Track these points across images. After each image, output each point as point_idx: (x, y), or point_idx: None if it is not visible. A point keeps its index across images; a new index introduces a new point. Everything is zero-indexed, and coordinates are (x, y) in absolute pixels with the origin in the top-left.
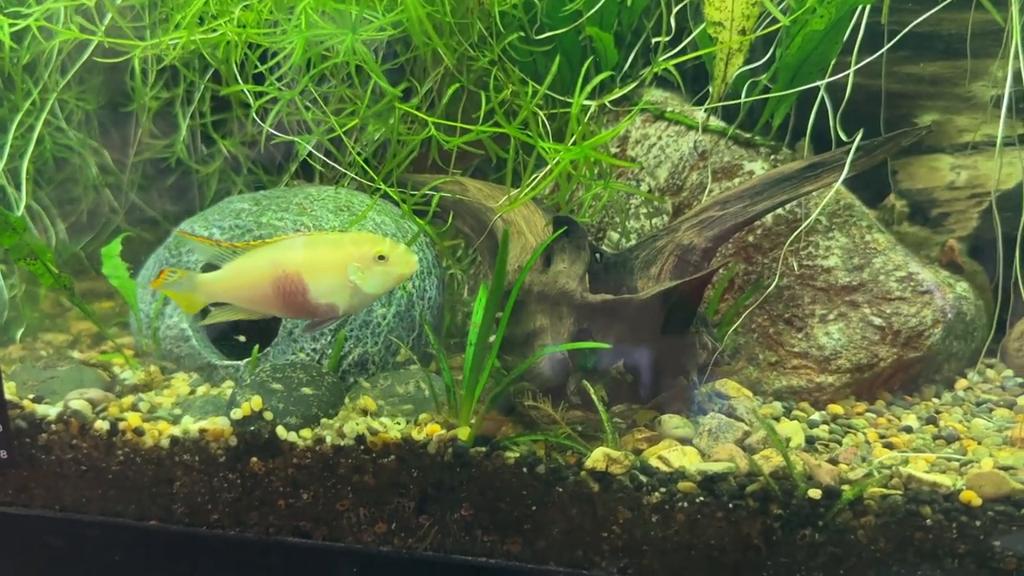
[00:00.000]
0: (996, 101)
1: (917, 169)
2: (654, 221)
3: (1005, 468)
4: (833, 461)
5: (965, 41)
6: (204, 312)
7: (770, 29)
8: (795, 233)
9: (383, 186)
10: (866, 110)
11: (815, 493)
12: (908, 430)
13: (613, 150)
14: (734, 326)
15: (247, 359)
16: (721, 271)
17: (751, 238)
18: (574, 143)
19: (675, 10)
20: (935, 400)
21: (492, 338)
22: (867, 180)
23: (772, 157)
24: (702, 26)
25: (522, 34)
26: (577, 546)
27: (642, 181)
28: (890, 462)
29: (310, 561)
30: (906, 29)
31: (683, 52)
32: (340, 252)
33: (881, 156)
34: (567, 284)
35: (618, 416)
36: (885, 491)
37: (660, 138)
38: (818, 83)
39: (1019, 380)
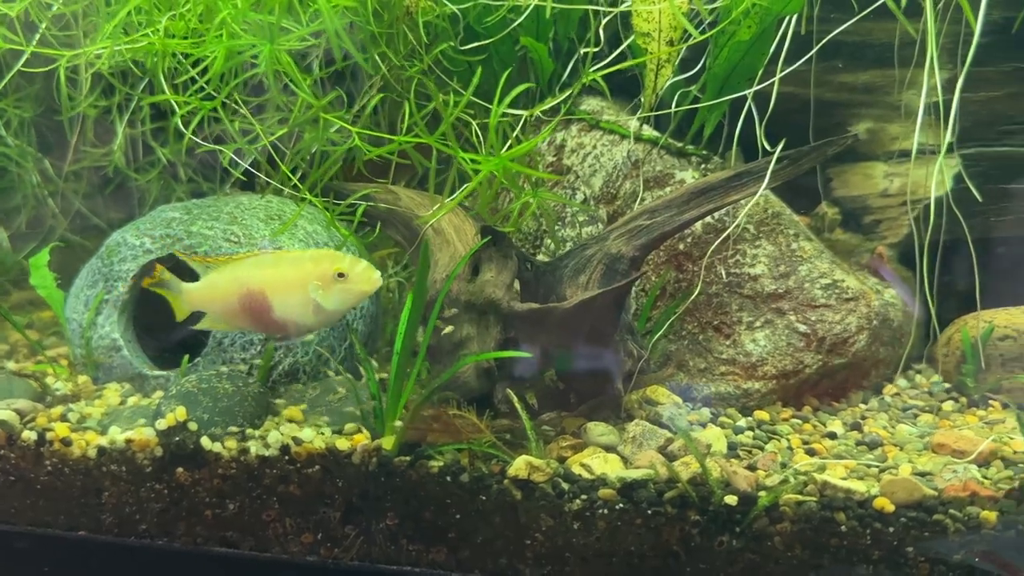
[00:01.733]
0: (926, 109)
1: (852, 177)
2: (588, 229)
3: (922, 474)
4: (751, 468)
5: (895, 50)
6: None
7: (698, 39)
8: (715, 243)
9: (307, 195)
10: (801, 119)
11: (732, 500)
12: (832, 436)
13: (549, 159)
14: (658, 334)
15: (178, 369)
16: (654, 279)
17: (682, 246)
18: (493, 153)
19: (603, 21)
20: (862, 406)
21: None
22: (804, 188)
23: (703, 166)
24: (632, 36)
25: (452, 44)
26: (501, 554)
27: (577, 190)
28: (807, 469)
29: (238, 572)
30: (825, 39)
31: (617, 61)
32: (300, 270)
33: (807, 165)
34: (494, 293)
35: (547, 424)
36: (800, 498)
37: (595, 147)
38: (744, 93)
39: (946, 386)
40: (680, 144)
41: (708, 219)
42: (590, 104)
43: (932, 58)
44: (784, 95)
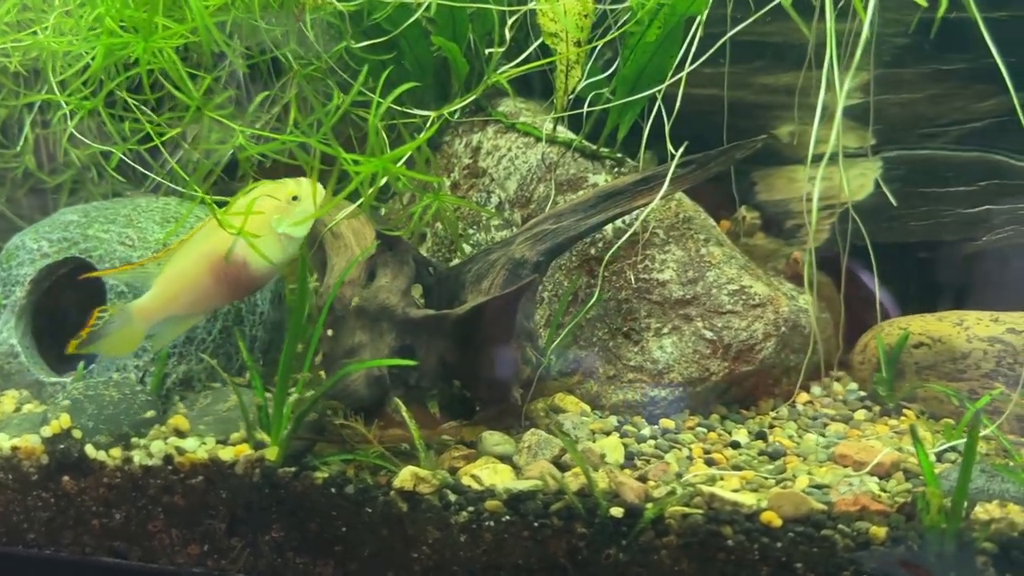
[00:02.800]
0: (847, 112)
1: (776, 180)
2: (503, 234)
3: (819, 486)
4: (642, 478)
5: (817, 51)
6: None
7: (604, 40)
8: (613, 248)
9: (201, 194)
10: (725, 121)
11: (617, 512)
12: (735, 445)
13: (466, 161)
14: (556, 341)
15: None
16: (566, 284)
17: (593, 251)
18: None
19: (510, 21)
20: (772, 415)
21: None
22: (729, 192)
23: (616, 169)
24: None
25: (350, 43)
26: (388, 567)
27: (492, 193)
28: (697, 480)
29: None
30: (720, 41)
31: (528, 62)
32: (259, 215)
33: (716, 169)
34: (388, 299)
35: (447, 434)
36: (686, 510)
37: (510, 150)
38: (649, 92)
39: (862, 394)
40: (594, 147)
41: (619, 223)
42: (508, 106)
43: (831, 56)
44: (707, 98)
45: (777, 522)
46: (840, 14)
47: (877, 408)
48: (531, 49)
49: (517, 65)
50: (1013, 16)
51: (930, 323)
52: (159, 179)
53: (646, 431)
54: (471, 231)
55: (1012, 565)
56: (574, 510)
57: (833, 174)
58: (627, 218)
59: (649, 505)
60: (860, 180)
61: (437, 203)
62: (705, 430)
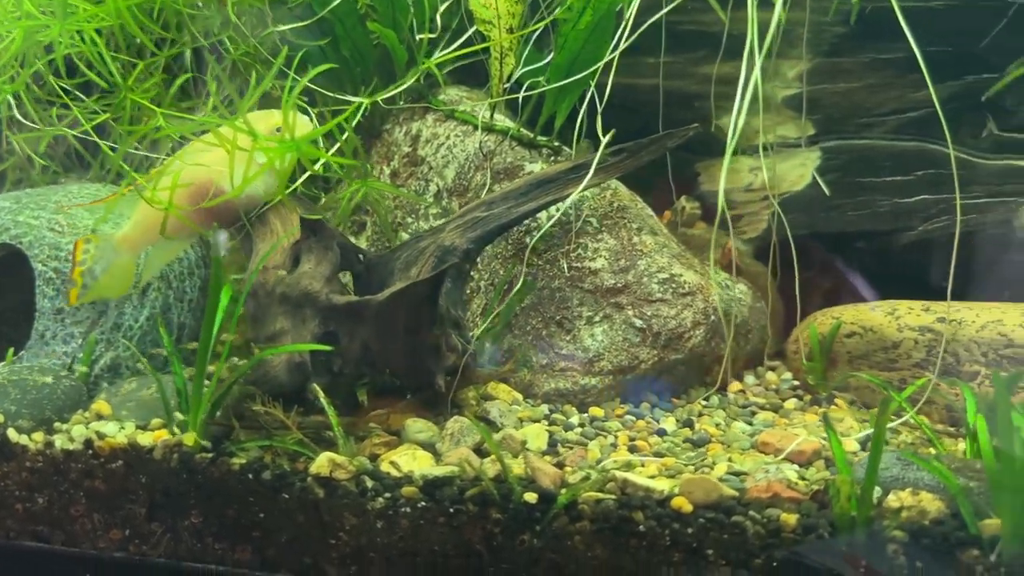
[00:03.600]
0: (786, 101)
1: (719, 171)
2: (441, 223)
3: (738, 473)
4: (560, 465)
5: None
6: None
7: (536, 27)
8: (539, 234)
9: (135, 176)
10: (669, 112)
11: (531, 497)
12: (662, 433)
13: (405, 149)
14: (481, 328)
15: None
16: (502, 273)
17: (528, 240)
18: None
19: (442, 8)
20: (702, 403)
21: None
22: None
23: (552, 158)
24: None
25: (274, 28)
26: (306, 553)
27: (431, 181)
28: (613, 466)
29: (50, 567)
30: (639, 31)
31: (462, 49)
32: (241, 142)
33: (648, 157)
34: (310, 285)
35: (374, 421)
36: (599, 496)
37: (449, 138)
38: (574, 78)
39: (795, 383)
40: (531, 135)
41: (554, 212)
42: (449, 94)
43: (752, 43)
44: (652, 87)
45: (688, 508)
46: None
47: (808, 397)
48: (466, 36)
49: (453, 52)
50: (949, 5)
51: (863, 313)
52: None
53: (574, 419)
54: (409, 220)
55: (922, 553)
56: (489, 496)
57: (774, 164)
58: (560, 206)
59: (563, 491)
60: (799, 170)
61: (365, 190)
62: (634, 418)
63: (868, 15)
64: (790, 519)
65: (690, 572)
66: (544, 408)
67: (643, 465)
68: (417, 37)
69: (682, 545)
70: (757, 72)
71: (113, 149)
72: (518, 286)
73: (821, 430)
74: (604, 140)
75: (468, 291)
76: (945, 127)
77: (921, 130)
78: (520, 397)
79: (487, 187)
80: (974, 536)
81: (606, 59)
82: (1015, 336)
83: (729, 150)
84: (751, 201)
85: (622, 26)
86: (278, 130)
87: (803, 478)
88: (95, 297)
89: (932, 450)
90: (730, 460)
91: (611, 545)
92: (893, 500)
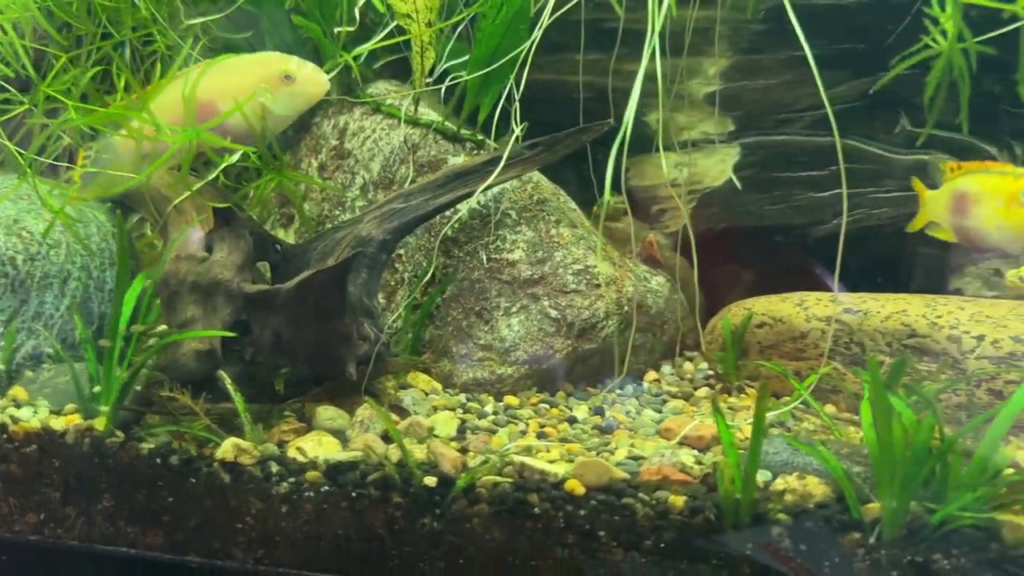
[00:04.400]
0: (707, 98)
1: (646, 167)
2: (359, 214)
3: (637, 458)
4: (464, 450)
5: (679, 39)
6: None
7: (453, 20)
8: (449, 224)
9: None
10: (599, 108)
11: (431, 481)
12: (573, 421)
13: (333, 142)
14: (394, 317)
15: None
16: (424, 265)
17: (450, 232)
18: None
19: (361, 2)
20: (618, 392)
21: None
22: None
23: (475, 151)
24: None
25: (200, 20)
26: (213, 537)
27: (357, 174)
28: (511, 451)
29: None
30: (541, 28)
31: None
32: (247, 75)
33: (564, 151)
34: (221, 274)
35: (290, 408)
36: (497, 479)
37: (375, 131)
38: (486, 70)
39: (711, 372)
40: (455, 129)
41: (474, 205)
42: (378, 87)
43: (651, 40)
44: (578, 84)
45: (580, 490)
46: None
47: (720, 386)
48: (388, 29)
49: (373, 45)
50: (861, 3)
51: (773, 304)
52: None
53: (489, 407)
54: (337, 212)
55: (805, 535)
56: (390, 480)
57: (698, 160)
58: (481, 199)
59: (462, 475)
60: (720, 166)
61: (278, 180)
62: (548, 406)
63: (785, 13)
64: (678, 501)
65: (584, 553)
66: (461, 397)
67: (547, 450)
68: (336, 31)
69: (575, 527)
70: (659, 70)
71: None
72: (426, 275)
73: (729, 417)
74: (515, 134)
75: (393, 283)
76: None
77: (835, 126)
78: (439, 386)
79: (410, 180)
80: (856, 519)
81: (518, 52)
82: (917, 326)
83: (617, 147)
84: (674, 196)
85: (540, 22)
86: (287, 77)
87: (700, 462)
88: (96, 194)
89: (831, 436)
90: (632, 446)
91: (508, 527)
92: (780, 484)
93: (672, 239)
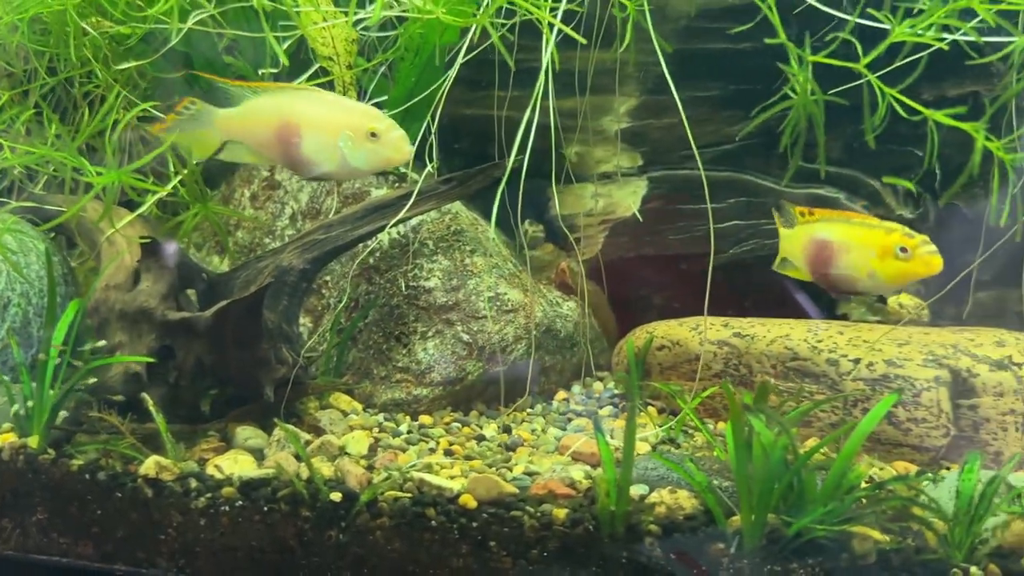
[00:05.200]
0: (620, 135)
1: (567, 197)
2: (282, 244)
3: (532, 473)
4: (370, 467)
5: (594, 78)
6: None
7: (372, 63)
8: (359, 258)
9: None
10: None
11: (336, 496)
12: (481, 439)
13: (264, 173)
14: (312, 339)
15: None
16: (348, 291)
17: (371, 260)
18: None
19: (285, 46)
20: (528, 411)
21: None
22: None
23: (396, 184)
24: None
25: (141, 62)
26: (139, 548)
27: (287, 204)
28: (413, 468)
29: None
30: (454, 67)
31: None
32: (337, 116)
33: (476, 186)
34: (147, 302)
35: (213, 429)
36: (398, 494)
37: None
38: (400, 110)
39: (617, 392)
40: None
41: (394, 235)
42: None
43: (544, 80)
44: (505, 119)
45: (473, 504)
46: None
47: (623, 405)
48: (313, 70)
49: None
50: (755, 48)
51: (672, 328)
52: None
53: (404, 427)
54: (267, 240)
55: (675, 546)
56: (299, 496)
57: (612, 192)
58: (401, 229)
59: (366, 490)
60: (632, 197)
61: (203, 212)
62: (460, 425)
63: (686, 55)
64: (560, 513)
65: (476, 562)
66: (380, 416)
67: (452, 466)
68: (260, 72)
69: (469, 538)
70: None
71: None
72: (342, 302)
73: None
74: (426, 170)
75: (320, 308)
76: None
77: (734, 161)
78: (360, 407)
79: (334, 211)
80: (721, 531)
81: (433, 90)
82: (799, 350)
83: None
84: (590, 225)
85: (457, 62)
86: (372, 134)
87: (589, 477)
88: (173, 139)
89: (714, 452)
90: (530, 462)
91: (408, 539)
92: (654, 497)
93: (587, 265)
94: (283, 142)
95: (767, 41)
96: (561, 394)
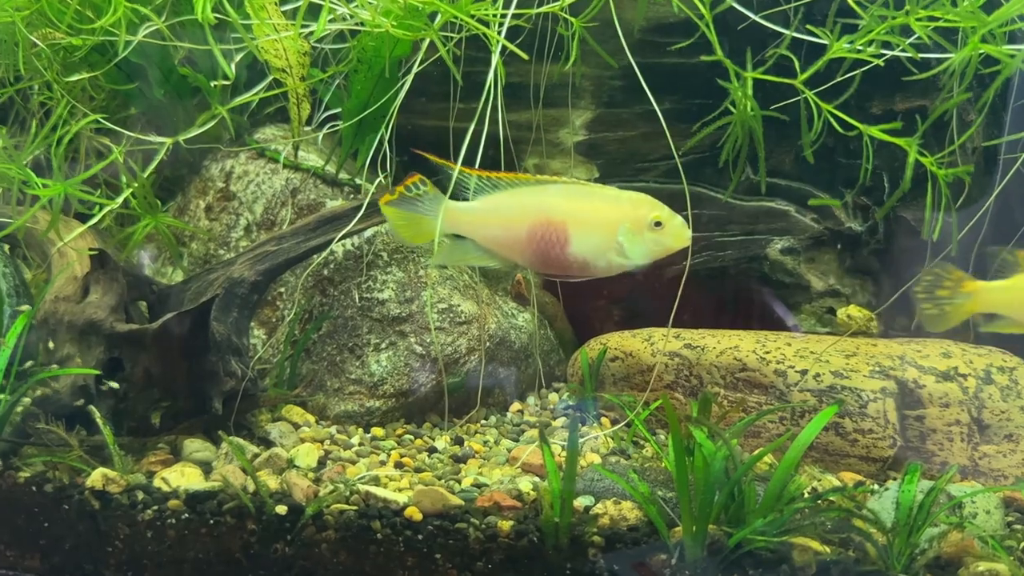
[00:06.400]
0: (576, 147)
1: None
2: (233, 255)
3: (480, 485)
4: (318, 480)
5: (551, 91)
6: None
7: (326, 75)
8: (306, 272)
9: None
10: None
11: (281, 509)
12: (433, 450)
13: (219, 185)
14: (262, 351)
15: None
16: (303, 303)
17: (326, 272)
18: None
19: (237, 59)
20: (482, 422)
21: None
22: None
23: (352, 195)
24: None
25: (92, 74)
26: (87, 560)
27: (241, 215)
28: (360, 480)
29: None
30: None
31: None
32: (615, 209)
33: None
34: (95, 314)
35: (164, 441)
36: (344, 507)
37: (258, 175)
38: (354, 121)
39: (571, 403)
40: (335, 174)
41: (348, 246)
42: (266, 133)
43: (492, 93)
44: (461, 130)
45: (418, 516)
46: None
47: (578, 416)
48: (267, 82)
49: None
50: (710, 63)
51: (625, 339)
52: None
53: (356, 439)
54: (222, 252)
55: (617, 556)
56: (245, 509)
57: None
58: (356, 240)
59: (312, 503)
60: None
61: (154, 223)
62: (413, 437)
63: (642, 69)
64: (505, 525)
65: (422, 575)
66: (332, 429)
67: (401, 479)
68: (213, 84)
69: (414, 551)
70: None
71: None
72: (291, 315)
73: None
74: (377, 180)
75: (275, 319)
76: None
77: (687, 174)
78: (313, 419)
79: (288, 222)
80: (664, 542)
81: (386, 101)
82: (748, 361)
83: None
84: None
85: (407, 77)
86: (657, 224)
87: (536, 488)
88: (391, 216)
89: (663, 463)
90: (480, 474)
91: (354, 552)
92: (599, 508)
93: (541, 277)
94: (541, 241)
95: (703, 58)
96: (516, 405)
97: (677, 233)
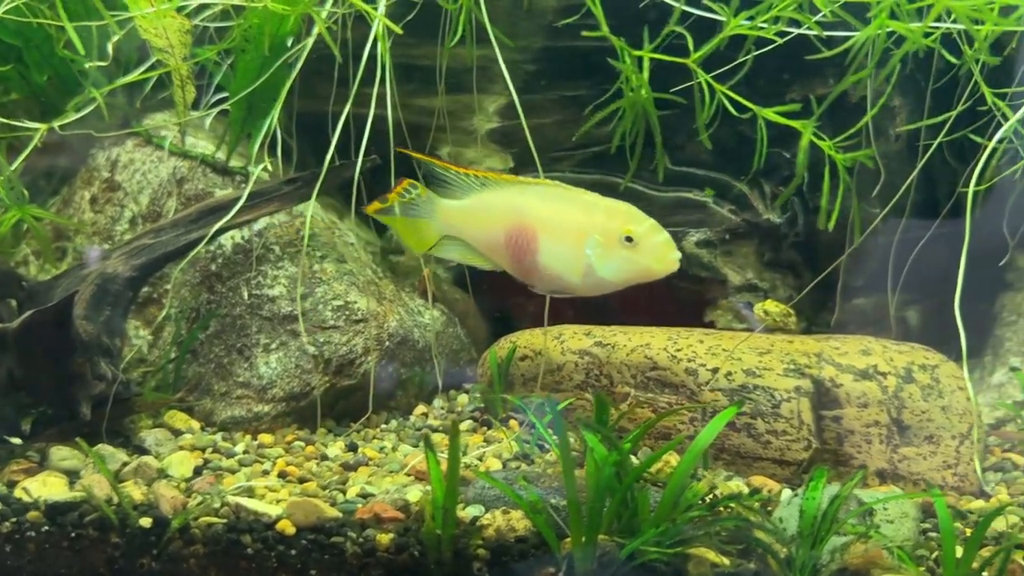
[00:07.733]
0: (490, 135)
1: None
2: (108, 249)
3: (366, 495)
4: (189, 491)
5: (464, 76)
6: None
7: (207, 54)
8: (179, 267)
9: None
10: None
11: (146, 522)
12: (324, 458)
13: (105, 174)
14: (149, 351)
15: None
16: (190, 300)
17: (213, 267)
18: None
19: (116, 38)
20: (382, 427)
21: None
22: None
23: (242, 184)
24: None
25: None
26: None
27: (126, 207)
28: (233, 492)
29: None
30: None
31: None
32: (585, 218)
33: (324, 188)
34: None
35: (33, 449)
36: (212, 520)
37: (144, 163)
38: (236, 98)
39: (480, 405)
40: (224, 162)
41: (238, 239)
42: (156, 119)
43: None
44: (379, 117)
45: (291, 530)
46: (479, 41)
47: (484, 419)
48: (150, 63)
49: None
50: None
51: (535, 337)
52: None
53: (240, 447)
54: (106, 246)
55: (504, 570)
56: (108, 521)
57: None
58: (245, 233)
59: (178, 516)
60: None
61: (19, 215)
62: (304, 444)
63: (557, 53)
64: (385, 538)
65: None
66: (216, 436)
67: (280, 489)
68: (87, 65)
69: (288, 566)
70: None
71: None
72: (163, 313)
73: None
74: (260, 167)
75: (160, 318)
76: None
77: (602, 163)
78: (197, 425)
79: (173, 212)
80: (553, 554)
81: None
82: (659, 359)
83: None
84: None
85: (300, 59)
86: (628, 239)
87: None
88: (386, 222)
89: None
90: (368, 483)
91: (223, 567)
92: (487, 519)
93: (452, 272)
94: (515, 247)
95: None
96: (420, 408)
97: (658, 254)
